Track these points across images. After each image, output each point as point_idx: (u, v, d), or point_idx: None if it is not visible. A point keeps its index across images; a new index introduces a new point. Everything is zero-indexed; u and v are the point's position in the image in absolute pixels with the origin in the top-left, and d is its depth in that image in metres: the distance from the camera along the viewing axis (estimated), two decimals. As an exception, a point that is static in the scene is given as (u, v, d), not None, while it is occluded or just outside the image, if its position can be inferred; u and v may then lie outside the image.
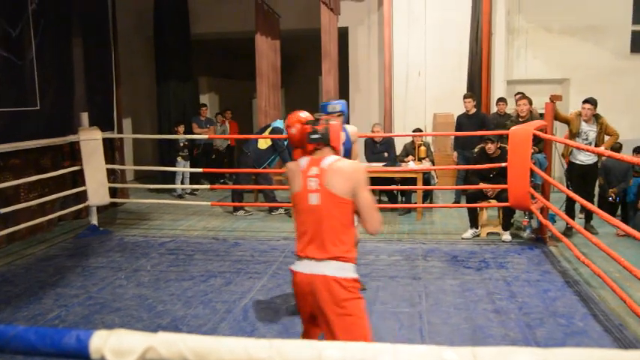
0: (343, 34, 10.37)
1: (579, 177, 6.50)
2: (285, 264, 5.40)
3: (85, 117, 7.04)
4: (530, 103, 6.98)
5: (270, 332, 4.06)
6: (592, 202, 6.26)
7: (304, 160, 2.74)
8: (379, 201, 8.44)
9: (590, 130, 6.36)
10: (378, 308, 4.42)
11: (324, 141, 2.73)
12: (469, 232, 6.51)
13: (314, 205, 2.64)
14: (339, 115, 4.09)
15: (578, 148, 6.03)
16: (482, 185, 6.44)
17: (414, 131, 8.44)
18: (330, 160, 2.67)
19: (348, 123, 4.75)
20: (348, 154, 4.14)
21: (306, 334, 2.83)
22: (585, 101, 6.36)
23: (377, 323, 4.14)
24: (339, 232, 2.62)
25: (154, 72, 10.57)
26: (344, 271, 2.60)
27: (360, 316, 2.64)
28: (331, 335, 2.61)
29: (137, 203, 8.59)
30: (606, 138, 6.40)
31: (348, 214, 2.65)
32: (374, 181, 7.91)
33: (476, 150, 6.70)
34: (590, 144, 6.28)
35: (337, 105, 4.18)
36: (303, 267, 2.66)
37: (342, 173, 2.63)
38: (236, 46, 12.72)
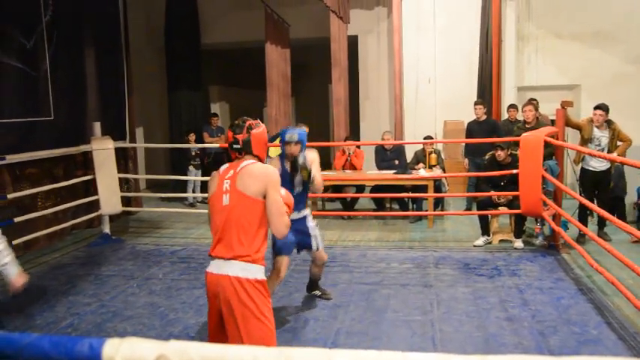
0: (353, 43, 10.40)
1: (592, 183, 6.45)
2: (297, 272, 5.41)
3: (97, 126, 7.11)
4: (536, 108, 6.94)
5: (280, 339, 4.06)
6: (605, 208, 6.21)
7: (224, 166, 2.85)
8: (390, 208, 8.43)
9: (602, 136, 6.32)
10: (389, 316, 4.40)
11: (246, 150, 2.84)
12: (481, 240, 6.48)
13: (225, 206, 2.71)
14: (296, 144, 4.13)
15: (590, 155, 5.98)
16: (493, 193, 6.42)
17: (425, 138, 8.43)
18: (245, 163, 2.78)
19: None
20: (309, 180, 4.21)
21: (212, 341, 2.77)
22: (597, 107, 6.32)
23: (388, 331, 4.13)
24: (246, 231, 2.67)
25: (166, 81, 10.66)
26: (247, 272, 2.63)
27: (262, 319, 2.65)
28: (236, 337, 2.60)
29: (149, 212, 8.64)
30: (619, 144, 6.35)
31: (258, 214, 2.70)
32: (385, 188, 7.91)
33: (486, 157, 6.68)
34: (602, 150, 6.23)
35: (294, 134, 4.15)
36: (212, 267, 2.71)
37: (252, 174, 2.72)
38: (246, 55, 12.79)
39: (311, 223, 4.37)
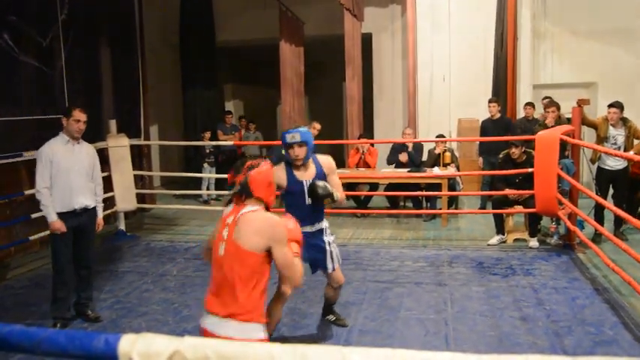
0: (367, 40, 10.38)
1: (608, 182, 6.38)
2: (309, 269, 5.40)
3: (113, 124, 7.17)
4: (559, 109, 6.84)
5: (294, 336, 4.07)
6: (622, 207, 6.14)
7: (229, 208, 2.56)
8: (404, 206, 8.40)
9: (618, 134, 6.24)
10: (402, 314, 4.40)
11: (245, 193, 2.50)
12: (495, 239, 6.44)
13: (220, 256, 2.44)
14: (300, 145, 3.54)
15: (607, 153, 5.92)
16: (508, 191, 6.37)
17: (436, 137, 8.38)
18: (245, 210, 2.46)
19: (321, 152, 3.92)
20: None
21: None
22: (610, 105, 6.25)
23: (402, 329, 4.12)
24: (242, 287, 2.38)
25: (180, 79, 10.72)
26: (242, 332, 2.36)
27: None
28: None
29: (164, 209, 8.70)
30: (636, 142, 6.27)
31: (255, 268, 2.40)
32: (399, 186, 7.88)
33: (501, 155, 6.63)
34: (619, 148, 6.16)
35: (296, 134, 3.54)
36: (207, 324, 2.47)
37: (252, 225, 2.41)
38: (260, 53, 12.82)
39: (327, 238, 3.79)
